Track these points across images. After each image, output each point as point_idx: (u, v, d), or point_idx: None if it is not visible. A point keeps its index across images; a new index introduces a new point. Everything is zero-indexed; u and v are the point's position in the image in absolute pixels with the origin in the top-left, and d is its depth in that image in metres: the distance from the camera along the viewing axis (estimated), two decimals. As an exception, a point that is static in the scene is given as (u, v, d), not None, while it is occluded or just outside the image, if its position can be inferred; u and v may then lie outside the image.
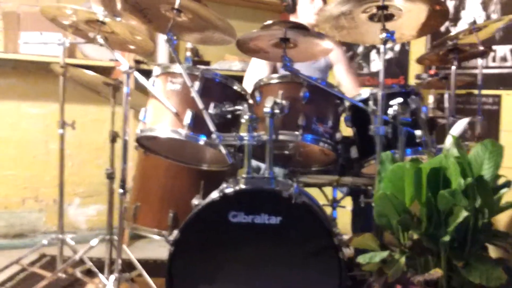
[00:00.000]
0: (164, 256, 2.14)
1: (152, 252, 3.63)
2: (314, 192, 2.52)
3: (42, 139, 3.81)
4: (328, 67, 3.35)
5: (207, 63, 4.22)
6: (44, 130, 3.80)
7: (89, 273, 2.96)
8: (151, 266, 3.26)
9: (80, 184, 3.96)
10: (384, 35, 2.29)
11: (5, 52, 3.52)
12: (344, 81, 3.36)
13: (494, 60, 3.20)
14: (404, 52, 3.80)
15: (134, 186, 2.90)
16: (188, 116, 2.36)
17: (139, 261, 2.90)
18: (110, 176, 2.87)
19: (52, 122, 3.63)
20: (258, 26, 2.41)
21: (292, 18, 3.28)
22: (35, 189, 3.81)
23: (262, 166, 2.86)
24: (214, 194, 2.23)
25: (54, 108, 3.59)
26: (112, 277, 2.51)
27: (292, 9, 3.24)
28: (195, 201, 2.35)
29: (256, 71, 3.11)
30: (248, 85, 2.63)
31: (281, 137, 2.35)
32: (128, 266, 2.88)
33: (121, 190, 2.45)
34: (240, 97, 2.48)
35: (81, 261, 2.96)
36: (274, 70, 3.16)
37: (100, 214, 3.97)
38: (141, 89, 2.79)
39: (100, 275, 2.83)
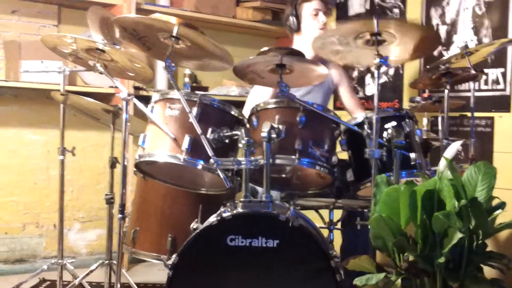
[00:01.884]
0: (163, 280, 2.15)
1: (151, 276, 3.64)
2: (311, 214, 2.54)
3: (43, 165, 3.84)
4: (331, 89, 3.40)
5: (205, 89, 4.27)
6: (45, 156, 3.84)
7: (89, 297, 2.98)
8: (150, 290, 3.28)
9: (80, 209, 3.98)
10: (377, 60, 2.34)
11: (7, 80, 3.56)
12: (348, 103, 3.44)
13: (486, 83, 3.25)
14: (398, 76, 3.85)
15: (133, 211, 2.93)
16: (186, 141, 2.39)
17: (138, 285, 2.92)
18: (110, 201, 2.89)
19: (53, 149, 3.66)
20: (254, 51, 2.45)
21: (297, 36, 3.33)
22: (35, 214, 3.82)
23: (259, 189, 2.89)
24: (212, 218, 2.25)
25: (54, 135, 3.63)
26: (112, 301, 2.53)
27: (297, 28, 3.28)
28: (194, 225, 2.37)
29: (258, 96, 3.15)
30: (248, 110, 2.67)
31: (278, 161, 2.39)
32: (127, 290, 2.90)
33: (120, 215, 2.48)
34: (238, 122, 2.52)
35: (81, 286, 2.97)
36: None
37: (100, 239, 3.99)
38: (140, 115, 2.83)
39: (100, 299, 2.84)
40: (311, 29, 3.24)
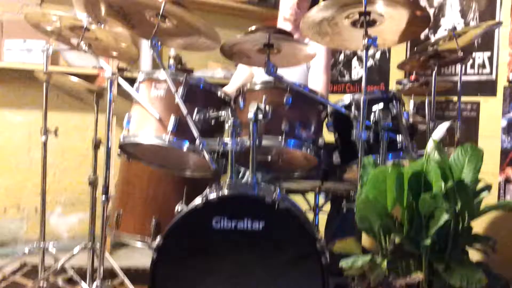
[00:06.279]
0: (147, 265, 2.12)
1: (134, 260, 3.61)
2: (296, 198, 2.53)
3: (24, 147, 3.78)
4: (309, 68, 3.34)
5: (190, 71, 4.20)
6: (27, 138, 3.78)
7: (71, 281, 2.95)
8: (133, 274, 3.23)
9: (62, 192, 3.93)
10: (366, 40, 2.31)
11: (-12, 60, 3.50)
12: (316, 77, 3.18)
13: (472, 67, 3.24)
14: (384, 59, 3.83)
15: (116, 193, 2.89)
16: (171, 122, 2.36)
17: (122, 269, 2.88)
18: (93, 183, 2.85)
19: (35, 131, 3.59)
20: (240, 33, 2.42)
21: None
22: (16, 198, 3.77)
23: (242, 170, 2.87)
24: (197, 200, 2.23)
25: (37, 116, 3.57)
26: (94, 285, 2.49)
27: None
28: (179, 208, 2.34)
29: (237, 76, 3.13)
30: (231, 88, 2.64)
31: (264, 142, 2.35)
32: (110, 274, 2.87)
33: (103, 197, 2.43)
34: (224, 103, 2.49)
35: (63, 270, 2.94)
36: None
37: (82, 223, 3.94)
38: (125, 96, 2.78)
39: (82, 283, 2.81)
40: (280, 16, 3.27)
